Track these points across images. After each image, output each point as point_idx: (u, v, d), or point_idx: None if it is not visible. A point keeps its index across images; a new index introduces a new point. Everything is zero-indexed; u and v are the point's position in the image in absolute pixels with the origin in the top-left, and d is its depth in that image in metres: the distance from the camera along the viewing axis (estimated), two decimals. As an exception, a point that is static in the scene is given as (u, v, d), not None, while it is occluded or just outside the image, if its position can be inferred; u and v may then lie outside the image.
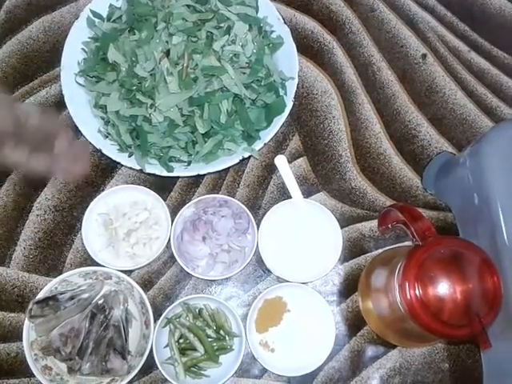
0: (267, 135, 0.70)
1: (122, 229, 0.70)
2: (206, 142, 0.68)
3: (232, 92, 0.67)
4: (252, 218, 0.69)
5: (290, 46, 0.73)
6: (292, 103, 0.71)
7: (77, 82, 0.71)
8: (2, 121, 0.53)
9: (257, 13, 0.73)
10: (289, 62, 0.73)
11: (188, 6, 0.69)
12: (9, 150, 0.54)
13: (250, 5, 0.72)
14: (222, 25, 0.69)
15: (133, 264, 0.69)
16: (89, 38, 0.72)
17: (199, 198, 0.69)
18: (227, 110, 0.67)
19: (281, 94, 0.71)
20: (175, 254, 0.67)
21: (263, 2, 0.74)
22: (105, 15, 0.73)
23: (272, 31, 0.74)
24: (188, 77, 0.66)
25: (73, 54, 0.72)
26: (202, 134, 0.68)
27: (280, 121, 0.70)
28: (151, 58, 0.66)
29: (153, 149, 0.69)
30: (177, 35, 0.67)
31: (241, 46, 0.68)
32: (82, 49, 0.72)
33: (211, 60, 0.66)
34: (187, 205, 0.69)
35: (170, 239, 0.69)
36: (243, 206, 0.69)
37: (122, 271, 0.67)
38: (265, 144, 0.70)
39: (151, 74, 0.67)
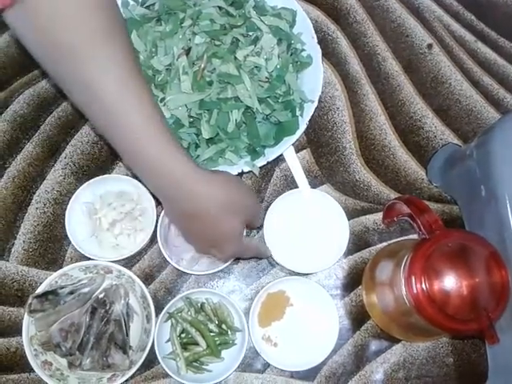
0: (273, 153, 0.68)
1: (107, 219, 0.68)
2: (208, 147, 0.67)
3: (244, 103, 0.65)
4: None
5: (317, 67, 0.71)
6: (305, 126, 0.69)
7: None
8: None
9: (291, 28, 0.71)
10: (313, 83, 0.70)
11: (220, 7, 0.67)
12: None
13: (285, 18, 0.70)
14: (250, 33, 0.67)
15: (116, 255, 0.68)
16: None
17: None
18: (236, 120, 0.66)
19: (297, 114, 0.69)
20: (160, 246, 0.66)
21: (301, 17, 0.72)
22: None
23: (303, 49, 0.71)
24: (203, 79, 0.64)
25: None
26: (206, 139, 0.66)
27: (289, 141, 0.68)
28: (170, 52, 0.65)
29: (155, 142, 0.68)
30: (200, 35, 0.65)
31: (265, 59, 0.66)
32: None
33: (230, 67, 0.64)
34: None
35: (154, 231, 0.67)
36: None
37: (112, 262, 0.66)
38: (268, 162, 0.68)
39: (167, 69, 0.66)
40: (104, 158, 0.74)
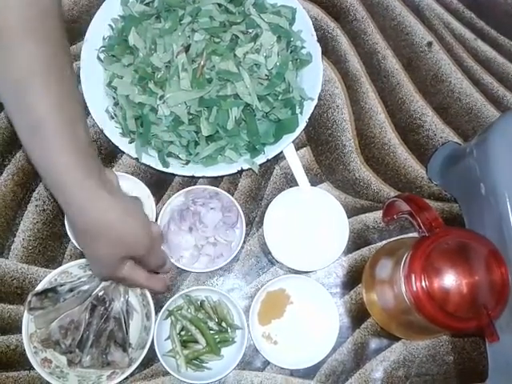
0: (272, 151, 0.68)
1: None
2: (208, 145, 0.67)
3: (244, 101, 0.65)
4: (241, 212, 0.67)
5: (317, 65, 0.70)
6: (305, 124, 0.69)
7: (98, 56, 0.70)
8: (143, 243, 0.56)
9: (291, 26, 0.71)
10: (313, 81, 0.70)
11: (219, 4, 0.67)
12: (131, 268, 0.58)
13: (285, 15, 0.70)
14: (250, 31, 0.67)
15: None
16: (118, 15, 0.71)
17: (189, 188, 0.68)
18: (235, 118, 0.66)
19: (296, 112, 0.69)
20: None
21: (301, 15, 0.72)
22: None
23: (302, 47, 0.71)
24: (202, 76, 0.64)
25: (99, 28, 0.71)
26: (206, 137, 0.66)
27: (289, 139, 0.68)
28: (169, 49, 0.65)
29: (154, 140, 0.67)
30: (199, 32, 0.65)
31: (264, 56, 0.66)
32: (110, 25, 0.71)
33: (229, 65, 0.64)
34: (176, 194, 0.67)
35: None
36: (233, 200, 0.67)
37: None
38: (268, 160, 0.68)
39: (166, 66, 0.65)
40: (103, 156, 0.74)
